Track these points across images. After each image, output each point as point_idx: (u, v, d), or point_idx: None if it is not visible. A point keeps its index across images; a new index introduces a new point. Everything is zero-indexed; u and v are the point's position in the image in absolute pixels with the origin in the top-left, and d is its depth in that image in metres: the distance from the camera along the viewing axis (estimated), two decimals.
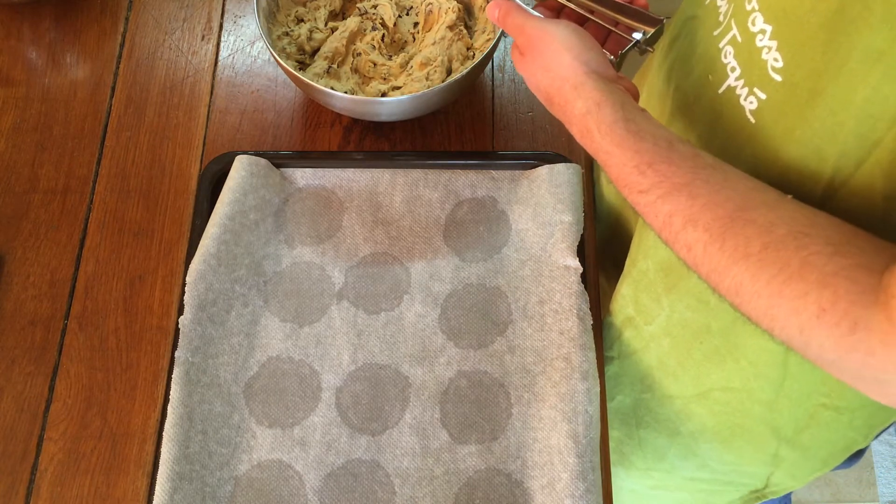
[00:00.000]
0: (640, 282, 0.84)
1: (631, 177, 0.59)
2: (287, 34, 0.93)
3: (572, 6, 0.74)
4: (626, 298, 0.88)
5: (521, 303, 0.86)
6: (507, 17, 0.72)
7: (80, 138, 0.96)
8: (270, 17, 0.92)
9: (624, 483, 1.13)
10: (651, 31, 0.69)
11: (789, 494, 1.53)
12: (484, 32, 0.96)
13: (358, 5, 0.97)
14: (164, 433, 0.78)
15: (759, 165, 0.60)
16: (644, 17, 0.70)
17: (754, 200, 0.54)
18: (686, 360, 0.84)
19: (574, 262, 0.84)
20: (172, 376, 0.80)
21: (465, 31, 0.95)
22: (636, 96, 0.66)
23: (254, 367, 0.84)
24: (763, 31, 0.56)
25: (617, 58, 0.69)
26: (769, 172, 0.59)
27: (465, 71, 0.85)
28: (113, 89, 0.99)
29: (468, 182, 0.91)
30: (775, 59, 0.55)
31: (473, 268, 0.88)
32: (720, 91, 0.63)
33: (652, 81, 0.82)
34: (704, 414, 0.87)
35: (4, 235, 0.90)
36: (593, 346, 0.82)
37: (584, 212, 0.88)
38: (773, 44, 0.55)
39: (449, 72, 0.93)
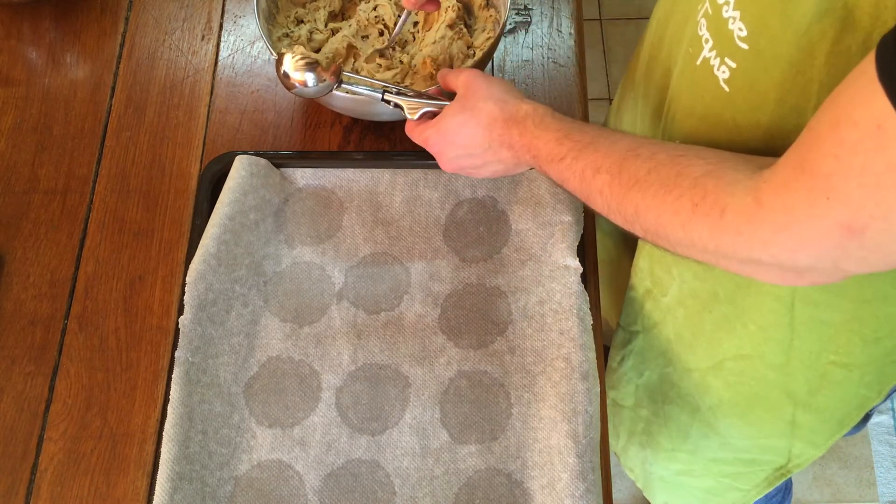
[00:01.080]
0: (654, 254, 0.87)
1: (553, 150, 0.71)
2: (287, 35, 0.93)
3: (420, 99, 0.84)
4: (643, 271, 0.90)
5: (521, 303, 0.86)
6: (446, 73, 0.83)
7: (80, 138, 0.96)
8: (270, 19, 0.92)
9: (653, 469, 1.14)
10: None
11: (790, 489, 1.53)
12: (484, 31, 0.96)
13: (358, 7, 0.97)
14: (164, 433, 0.78)
15: (743, 132, 0.63)
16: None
17: (642, 143, 0.65)
18: (699, 330, 0.85)
19: (574, 262, 0.84)
20: (172, 376, 0.80)
21: (464, 30, 0.95)
22: None
23: (254, 367, 0.84)
24: (728, 2, 0.60)
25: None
26: (754, 135, 0.62)
27: (471, 61, 0.85)
28: (113, 89, 0.99)
29: (468, 182, 0.91)
30: (740, 29, 0.59)
31: (473, 268, 0.88)
32: (698, 63, 0.66)
33: (646, 56, 0.85)
34: (720, 386, 0.88)
35: (4, 235, 0.90)
36: (593, 346, 0.82)
37: (583, 212, 0.89)
38: (737, 14, 0.59)
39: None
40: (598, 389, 0.81)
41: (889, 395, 0.84)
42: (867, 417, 0.90)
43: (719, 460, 1.01)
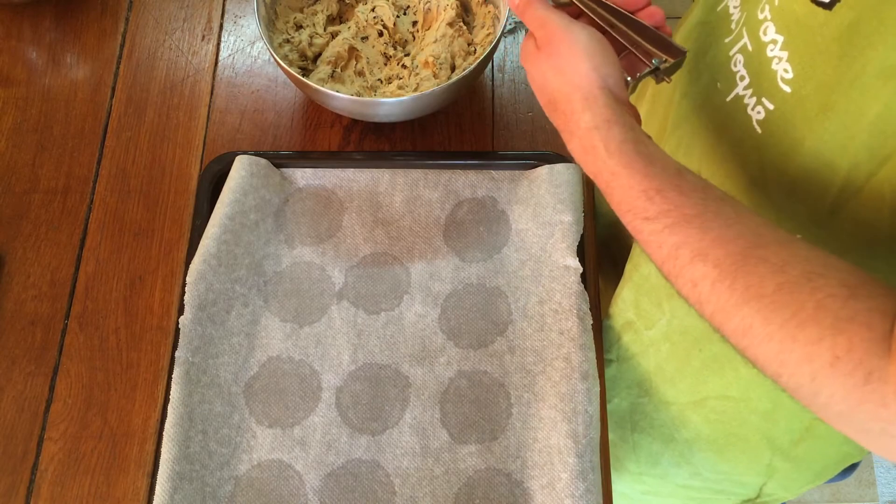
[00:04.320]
0: (642, 286, 0.84)
1: (637, 202, 0.56)
2: (288, 41, 0.93)
3: (592, 16, 0.66)
4: (626, 302, 0.88)
5: (521, 303, 0.86)
6: (529, 8, 0.65)
7: (80, 138, 0.96)
8: (270, 25, 0.92)
9: (616, 486, 1.13)
10: (672, 61, 0.64)
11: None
12: (483, 28, 0.96)
13: (356, 10, 0.97)
14: (164, 433, 0.78)
15: (767, 175, 0.59)
16: (667, 46, 0.64)
17: (766, 237, 0.52)
18: (685, 366, 0.84)
19: (574, 262, 0.84)
20: (172, 376, 0.80)
21: (464, 27, 0.95)
22: (640, 121, 0.63)
23: (254, 367, 0.84)
24: (775, 42, 0.55)
25: (634, 80, 0.64)
26: (778, 182, 0.58)
27: (468, 69, 0.85)
28: (113, 89, 0.99)
29: (468, 182, 0.91)
30: (785, 70, 0.54)
31: (473, 268, 0.88)
32: (728, 99, 0.62)
33: (657, 87, 0.81)
34: (700, 422, 0.87)
35: (4, 235, 0.90)
36: (593, 346, 0.82)
37: (584, 212, 0.89)
38: (784, 54, 0.54)
39: (453, 68, 0.93)
40: (597, 389, 0.81)
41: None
42: (853, 467, 0.88)
43: (689, 486, 1.00)
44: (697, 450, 0.91)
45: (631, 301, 0.88)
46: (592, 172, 0.59)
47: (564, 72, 0.61)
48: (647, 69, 0.64)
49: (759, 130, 0.59)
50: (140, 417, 0.83)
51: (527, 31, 0.67)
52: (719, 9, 0.66)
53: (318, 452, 0.80)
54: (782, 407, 0.76)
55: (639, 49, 0.64)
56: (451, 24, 0.94)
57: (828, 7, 0.50)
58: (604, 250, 0.98)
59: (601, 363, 0.85)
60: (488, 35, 0.94)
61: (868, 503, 1.71)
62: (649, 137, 0.59)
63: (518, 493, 0.79)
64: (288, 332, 0.85)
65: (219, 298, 0.84)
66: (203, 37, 1.02)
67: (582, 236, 0.87)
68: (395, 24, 0.95)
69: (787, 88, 0.55)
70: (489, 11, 0.96)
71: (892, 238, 0.53)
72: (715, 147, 0.66)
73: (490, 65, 1.00)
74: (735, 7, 0.63)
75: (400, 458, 0.80)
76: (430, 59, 0.92)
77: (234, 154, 0.90)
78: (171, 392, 0.79)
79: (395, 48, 0.96)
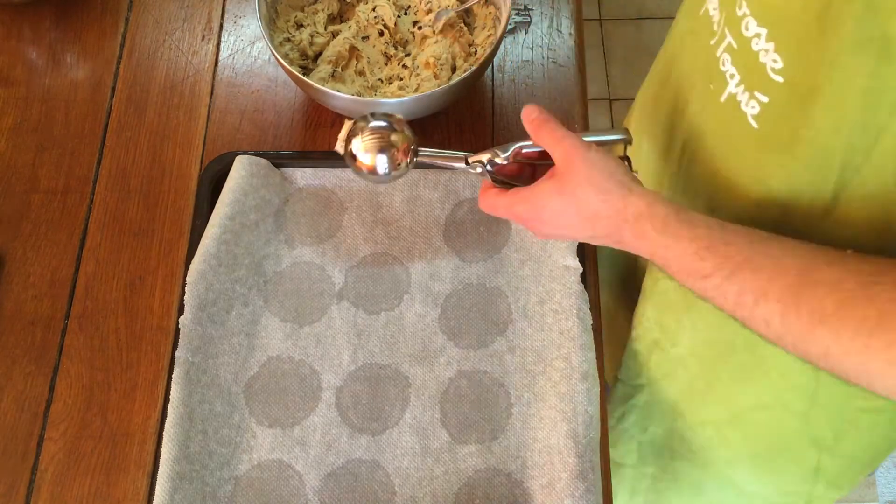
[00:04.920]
0: (662, 302, 0.84)
1: (692, 264, 0.59)
2: (289, 40, 0.93)
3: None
4: (650, 321, 0.88)
5: (521, 303, 0.86)
6: (544, 126, 0.69)
7: (80, 138, 0.96)
8: (270, 24, 0.92)
9: None
10: (627, 137, 0.73)
11: None
12: (484, 28, 0.96)
13: (357, 9, 0.97)
14: (164, 433, 0.78)
15: (767, 170, 0.60)
16: (619, 137, 0.74)
17: (816, 260, 0.54)
18: (714, 381, 0.83)
19: (574, 262, 0.84)
20: (172, 376, 0.80)
21: (465, 29, 0.95)
22: None
23: (254, 367, 0.84)
24: (758, 35, 0.56)
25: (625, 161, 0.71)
26: (778, 175, 0.59)
27: (469, 71, 0.85)
28: (113, 89, 0.99)
29: (468, 182, 0.91)
30: (774, 61, 0.55)
31: (473, 268, 0.88)
32: (722, 99, 0.63)
33: (658, 102, 0.81)
34: (739, 438, 0.86)
35: (4, 235, 0.90)
36: (593, 346, 0.82)
37: None
38: (771, 45, 0.55)
39: (453, 69, 0.93)
40: (597, 389, 0.81)
41: None
42: None
43: None
44: (740, 468, 0.90)
45: (654, 319, 0.87)
46: (649, 254, 0.63)
47: (593, 189, 0.64)
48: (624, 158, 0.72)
49: (755, 125, 0.60)
50: (140, 417, 0.83)
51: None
52: (701, 13, 0.66)
53: (318, 452, 0.80)
54: (819, 405, 0.75)
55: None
56: (451, 26, 0.94)
57: None
58: (611, 266, 0.98)
59: (601, 363, 0.84)
60: (489, 36, 0.94)
61: (868, 503, 1.71)
62: (687, 211, 0.62)
63: (518, 493, 0.79)
64: (288, 331, 0.85)
65: (219, 298, 0.84)
66: (203, 37, 1.02)
67: None
68: (395, 24, 0.95)
69: (778, 78, 0.56)
70: (490, 13, 0.96)
71: None
72: (715, 149, 0.67)
73: (490, 65, 1.00)
74: (714, 9, 0.63)
75: (400, 458, 0.80)
76: (431, 60, 0.92)
77: (234, 154, 0.90)
78: (171, 392, 0.79)
79: (396, 48, 0.96)
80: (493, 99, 0.98)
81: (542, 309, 0.85)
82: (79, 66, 1.00)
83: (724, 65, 0.61)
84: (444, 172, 0.91)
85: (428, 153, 0.76)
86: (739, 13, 0.58)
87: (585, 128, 0.97)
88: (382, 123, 0.75)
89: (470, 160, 0.74)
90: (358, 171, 0.75)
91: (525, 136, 0.73)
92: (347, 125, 0.79)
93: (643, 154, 0.85)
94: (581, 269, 0.84)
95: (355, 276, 0.88)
